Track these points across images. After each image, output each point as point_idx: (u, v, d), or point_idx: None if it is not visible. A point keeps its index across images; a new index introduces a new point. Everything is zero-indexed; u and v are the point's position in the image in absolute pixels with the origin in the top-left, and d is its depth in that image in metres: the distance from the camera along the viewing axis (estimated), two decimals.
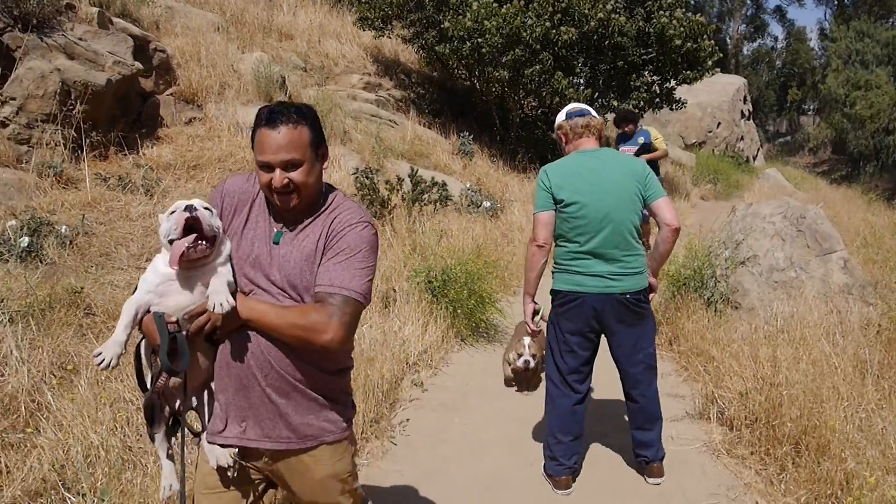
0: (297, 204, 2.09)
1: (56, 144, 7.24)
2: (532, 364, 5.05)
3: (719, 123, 26.99)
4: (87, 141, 7.46)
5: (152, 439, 2.21)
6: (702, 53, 13.45)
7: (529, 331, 3.99)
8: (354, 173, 8.25)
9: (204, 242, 2.00)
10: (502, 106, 14.10)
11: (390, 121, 12.24)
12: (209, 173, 8.23)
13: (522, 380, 5.30)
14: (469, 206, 9.85)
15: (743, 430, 4.31)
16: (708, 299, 6.12)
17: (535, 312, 3.87)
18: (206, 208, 2.04)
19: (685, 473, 4.07)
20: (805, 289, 5.96)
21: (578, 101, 12.45)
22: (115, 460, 3.29)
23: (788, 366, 4.36)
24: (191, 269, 2.02)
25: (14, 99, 6.96)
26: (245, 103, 9.86)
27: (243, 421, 2.13)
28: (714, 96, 27.20)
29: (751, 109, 31.26)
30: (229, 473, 2.20)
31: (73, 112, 7.29)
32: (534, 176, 12.68)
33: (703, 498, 3.81)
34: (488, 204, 9.99)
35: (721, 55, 14.51)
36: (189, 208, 1.99)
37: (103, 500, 2.80)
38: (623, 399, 3.99)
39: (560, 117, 3.84)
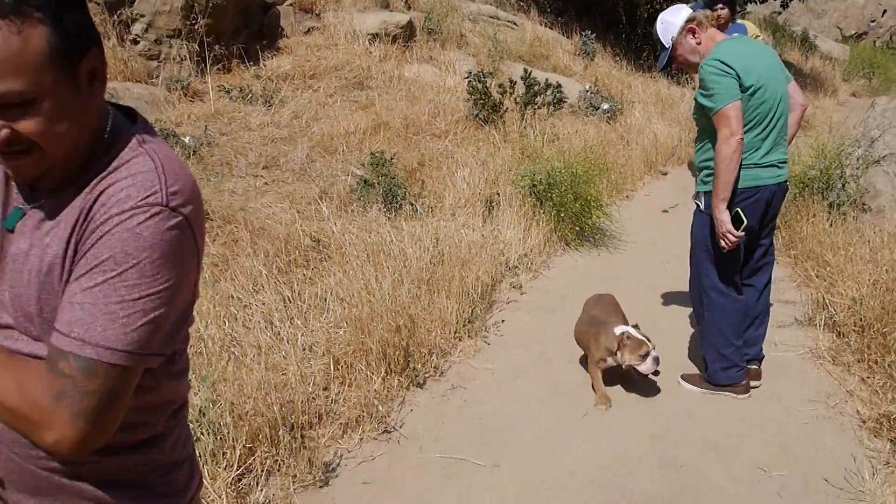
0: (36, 171, 1.11)
1: (182, 59, 7.63)
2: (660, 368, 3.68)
3: (885, 11, 24.36)
4: (211, 54, 7.80)
5: None
6: None
7: (729, 244, 3.42)
8: (467, 77, 8.16)
9: None
10: (630, 1, 13.33)
11: (509, 22, 11.92)
12: (325, 82, 8.41)
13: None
14: (587, 108, 9.55)
15: (852, 336, 4.08)
16: (832, 202, 5.70)
17: (740, 220, 3.40)
18: None
19: (784, 379, 3.94)
20: None
21: None
22: (219, 350, 3.58)
23: None
24: None
25: (143, 16, 7.33)
26: (362, 10, 9.90)
27: None
28: None
29: None
30: None
31: (197, 27, 7.60)
32: (658, 76, 12.06)
33: (801, 404, 3.68)
34: (606, 106, 9.63)
35: None
36: None
37: (205, 383, 3.07)
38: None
39: (683, 11, 3.58)
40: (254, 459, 2.98)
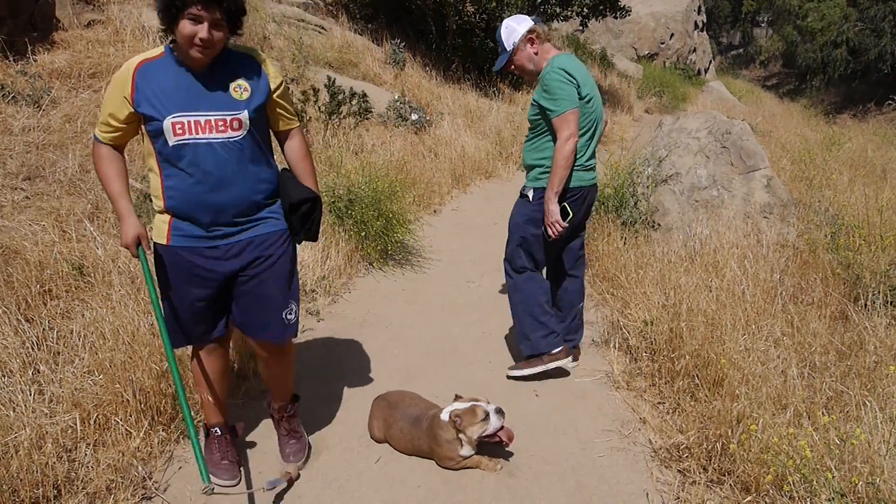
0: None
1: None
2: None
3: (672, 34, 26.48)
4: None
5: None
6: None
7: (556, 233, 3.72)
8: None
9: None
10: (439, 11, 13.36)
11: (318, 26, 11.51)
12: (107, 82, 7.56)
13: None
14: (396, 119, 9.35)
15: (644, 360, 4.11)
16: (625, 220, 5.85)
17: (567, 213, 3.75)
18: None
19: (580, 407, 3.86)
20: (725, 208, 5.73)
21: (517, 6, 11.86)
22: None
23: (690, 294, 4.13)
24: None
25: None
26: (152, 5, 9.07)
27: None
28: (669, 6, 26.61)
29: (705, 20, 30.75)
30: None
31: None
32: (468, 87, 12.18)
33: (596, 434, 3.60)
34: (416, 117, 9.50)
35: None
36: None
37: None
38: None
39: (526, 22, 3.84)
40: None
